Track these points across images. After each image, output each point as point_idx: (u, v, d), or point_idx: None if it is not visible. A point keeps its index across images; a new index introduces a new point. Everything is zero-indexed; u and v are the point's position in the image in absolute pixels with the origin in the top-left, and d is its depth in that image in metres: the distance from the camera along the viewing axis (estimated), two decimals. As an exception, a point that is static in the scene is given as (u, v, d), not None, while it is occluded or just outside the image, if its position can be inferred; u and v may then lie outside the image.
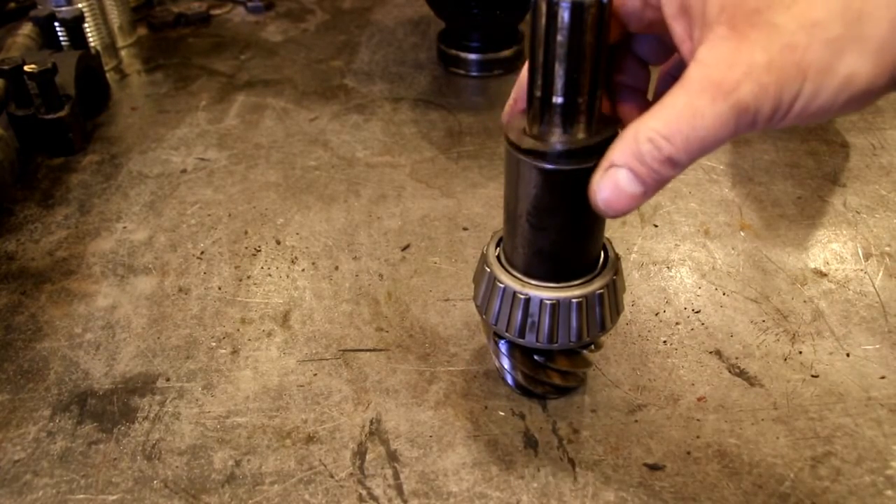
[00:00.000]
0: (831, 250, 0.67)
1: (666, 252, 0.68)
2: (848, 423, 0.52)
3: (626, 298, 0.62)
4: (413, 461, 0.50)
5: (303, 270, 0.67)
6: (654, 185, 0.37)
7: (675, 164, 0.35)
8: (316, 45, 1.08)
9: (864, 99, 0.33)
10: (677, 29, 0.36)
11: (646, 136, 0.35)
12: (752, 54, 0.32)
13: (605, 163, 0.38)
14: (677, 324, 0.60)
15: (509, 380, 0.54)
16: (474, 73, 0.99)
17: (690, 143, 0.34)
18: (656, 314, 0.61)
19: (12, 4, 1.08)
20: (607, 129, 0.41)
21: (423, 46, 1.06)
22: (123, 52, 1.07)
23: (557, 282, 0.46)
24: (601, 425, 0.52)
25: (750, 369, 0.56)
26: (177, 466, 0.50)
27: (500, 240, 0.49)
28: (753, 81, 0.32)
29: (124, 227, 0.73)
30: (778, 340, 0.58)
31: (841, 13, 0.31)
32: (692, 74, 0.34)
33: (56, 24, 0.90)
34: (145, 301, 0.64)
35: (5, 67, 0.76)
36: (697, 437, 0.51)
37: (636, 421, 0.53)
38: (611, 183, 0.37)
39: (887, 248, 0.67)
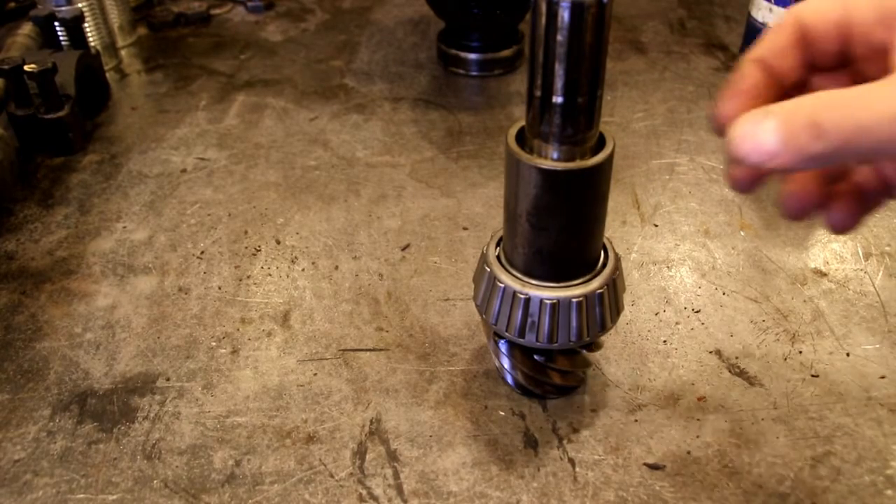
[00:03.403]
0: (831, 250, 0.67)
1: (666, 252, 0.68)
2: (848, 422, 0.52)
3: (626, 298, 0.62)
4: (413, 461, 0.50)
5: (303, 270, 0.67)
6: (789, 149, 0.33)
7: (820, 137, 0.32)
8: (316, 44, 1.08)
9: None
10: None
11: (814, 96, 0.33)
12: None
13: (766, 107, 0.35)
14: (677, 324, 0.60)
15: (509, 380, 0.54)
16: (474, 73, 0.99)
17: (846, 122, 0.31)
18: (656, 314, 0.61)
19: (12, 4, 1.08)
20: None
21: (423, 46, 1.06)
22: (123, 52, 1.07)
23: (557, 282, 0.46)
24: (601, 425, 0.52)
25: (750, 369, 0.56)
26: (177, 466, 0.50)
27: (500, 239, 0.49)
28: None
29: (124, 227, 0.73)
30: (778, 340, 0.58)
31: None
32: (891, 76, 0.32)
33: (56, 23, 0.90)
34: (145, 301, 0.64)
35: (5, 67, 0.76)
36: (697, 437, 0.51)
37: (636, 421, 0.53)
38: (753, 121, 0.34)
39: (887, 248, 0.67)
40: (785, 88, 0.40)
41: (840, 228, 0.42)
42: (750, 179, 0.40)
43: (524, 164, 0.42)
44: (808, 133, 0.32)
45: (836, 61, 0.39)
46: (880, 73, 0.34)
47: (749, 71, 0.40)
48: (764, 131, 0.33)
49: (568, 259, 0.46)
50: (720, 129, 0.38)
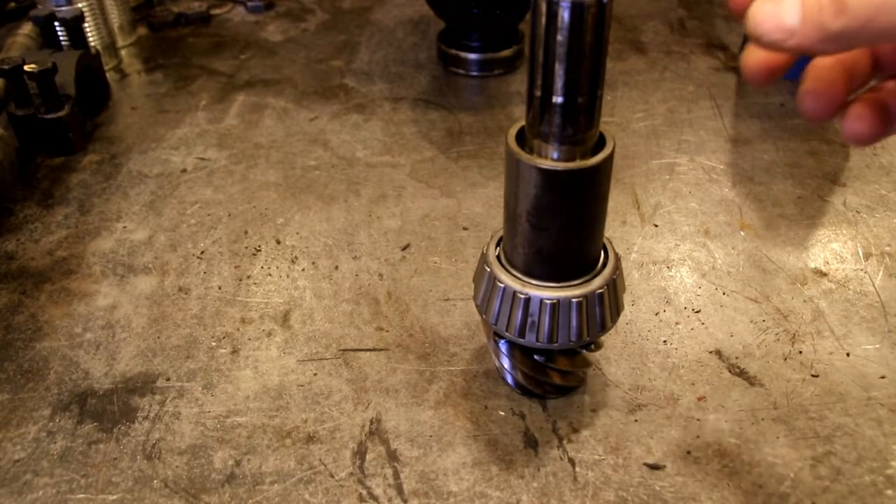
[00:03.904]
0: (831, 250, 0.67)
1: (666, 252, 0.68)
2: (848, 422, 0.52)
3: (626, 298, 0.62)
4: (413, 461, 0.50)
5: (303, 270, 0.67)
6: (810, 25, 0.31)
7: (843, 12, 0.30)
8: (316, 44, 1.08)
9: None
10: None
11: None
12: None
13: None
14: (677, 324, 0.60)
15: (509, 379, 0.54)
16: (474, 73, 0.99)
17: (868, 3, 0.30)
18: (656, 314, 0.61)
19: (12, 4, 1.08)
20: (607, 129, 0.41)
21: (423, 46, 1.06)
22: (123, 52, 1.07)
23: (558, 282, 0.46)
24: (601, 425, 0.52)
25: (750, 369, 0.56)
26: (177, 466, 0.50)
27: (500, 239, 0.49)
28: None
29: (124, 227, 0.73)
30: (778, 340, 0.58)
31: None
32: None
33: (56, 23, 0.90)
34: (145, 301, 0.64)
35: (5, 67, 0.76)
36: (697, 436, 0.51)
37: (636, 421, 0.53)
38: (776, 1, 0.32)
39: (887, 248, 0.67)
40: None
41: (857, 137, 0.40)
42: (767, 69, 0.38)
43: (524, 164, 0.42)
44: (830, 8, 0.31)
45: None
46: None
47: None
48: (785, 6, 0.32)
49: (568, 259, 0.46)
50: (739, 9, 0.36)
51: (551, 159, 0.42)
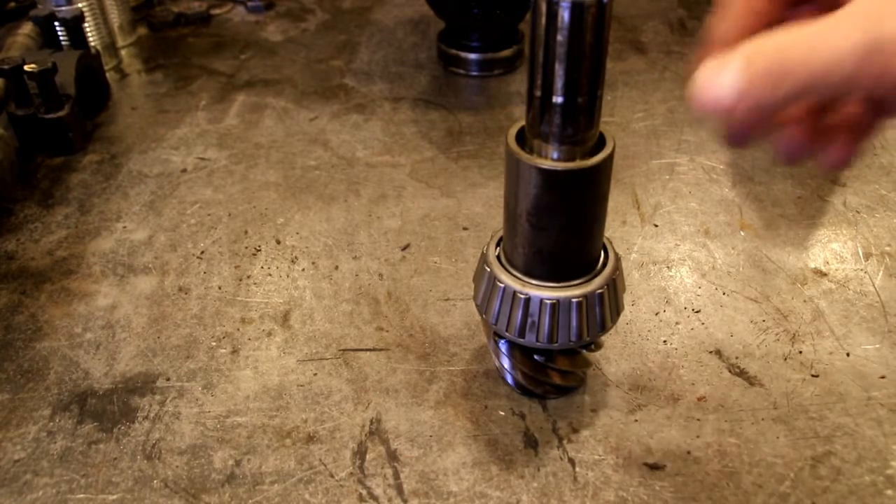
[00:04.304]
0: (831, 250, 0.67)
1: (666, 252, 0.68)
2: (848, 422, 0.52)
3: (626, 298, 0.62)
4: (413, 461, 0.50)
5: (303, 270, 0.67)
6: (749, 91, 0.32)
7: (784, 78, 0.31)
8: (316, 44, 1.08)
9: None
10: None
11: (774, 38, 0.32)
12: None
13: (733, 48, 0.34)
14: (677, 324, 0.60)
15: (509, 379, 0.54)
16: (474, 73, 0.99)
17: (809, 61, 0.31)
18: (656, 314, 0.61)
19: (12, 4, 1.08)
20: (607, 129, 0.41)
21: (423, 46, 1.06)
22: (123, 52, 1.07)
23: (558, 282, 0.46)
24: (601, 425, 0.52)
25: (750, 369, 0.56)
26: (177, 466, 0.50)
27: (500, 239, 0.49)
28: None
29: (124, 227, 0.73)
30: (778, 340, 0.58)
31: None
32: (847, 6, 0.31)
33: (56, 23, 0.90)
34: (145, 301, 0.64)
35: (5, 67, 0.76)
36: (697, 436, 0.51)
37: (636, 421, 0.53)
38: (716, 66, 0.33)
39: (887, 248, 0.67)
40: (765, 26, 0.38)
41: (837, 165, 0.40)
42: (740, 131, 0.38)
43: (524, 164, 0.42)
44: (770, 77, 0.32)
45: None
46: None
47: (730, 11, 0.39)
48: (725, 78, 0.33)
49: (568, 259, 0.46)
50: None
51: (551, 159, 0.42)
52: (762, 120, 0.34)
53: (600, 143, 0.43)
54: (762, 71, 0.32)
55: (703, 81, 0.34)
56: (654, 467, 0.50)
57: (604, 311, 0.47)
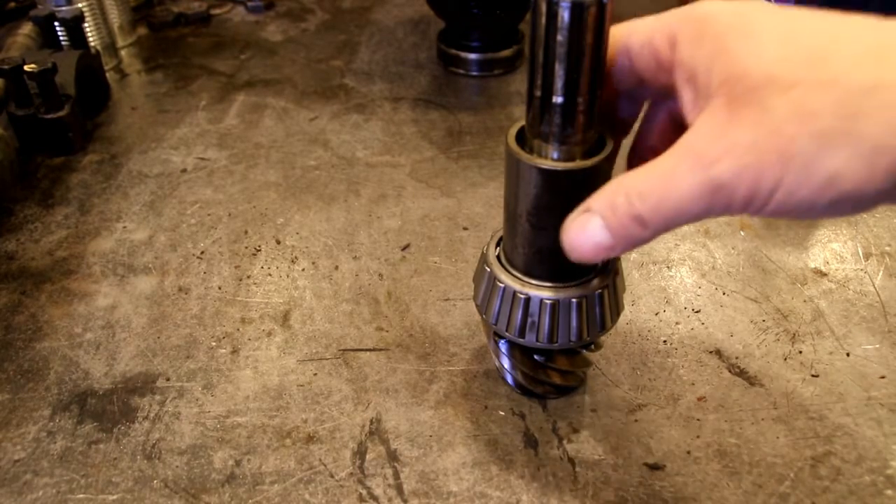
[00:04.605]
0: (831, 250, 0.67)
1: (666, 252, 0.68)
2: (848, 422, 0.52)
3: (626, 298, 0.62)
4: (413, 461, 0.50)
5: (303, 270, 0.67)
6: (622, 241, 0.36)
7: (646, 225, 0.35)
8: (316, 44, 1.08)
9: (854, 203, 0.30)
10: (685, 97, 0.36)
11: (624, 189, 0.35)
12: (739, 132, 0.31)
13: (583, 206, 0.38)
14: (677, 323, 0.60)
15: (509, 379, 0.54)
16: (474, 73, 0.99)
17: (662, 208, 0.34)
18: (656, 314, 0.61)
19: (12, 4, 1.08)
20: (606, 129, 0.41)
21: (423, 46, 1.06)
22: (123, 52, 1.07)
23: (558, 281, 0.46)
24: (601, 425, 0.52)
25: (750, 369, 0.56)
26: (177, 466, 0.50)
27: (500, 239, 0.49)
28: (734, 160, 0.31)
29: (124, 227, 0.73)
30: (778, 340, 0.58)
31: (836, 106, 0.29)
32: (683, 141, 0.33)
33: (56, 23, 0.90)
34: (145, 301, 0.64)
35: (5, 67, 0.76)
36: (697, 436, 0.51)
37: (636, 421, 0.53)
38: (581, 226, 0.37)
39: (887, 248, 0.67)
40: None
41: None
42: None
43: (524, 163, 0.42)
44: (633, 225, 0.35)
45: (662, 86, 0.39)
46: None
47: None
48: (592, 232, 0.37)
49: (568, 259, 0.46)
50: None
51: (551, 159, 0.41)
52: (640, 245, 0.37)
53: (600, 143, 0.43)
54: (627, 217, 0.35)
55: (574, 241, 0.38)
56: (654, 467, 0.50)
57: (604, 311, 0.47)
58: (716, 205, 0.32)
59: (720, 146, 0.32)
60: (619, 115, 0.44)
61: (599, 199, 0.37)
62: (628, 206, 0.35)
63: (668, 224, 0.34)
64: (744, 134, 0.31)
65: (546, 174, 0.41)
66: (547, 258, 0.45)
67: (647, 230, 0.35)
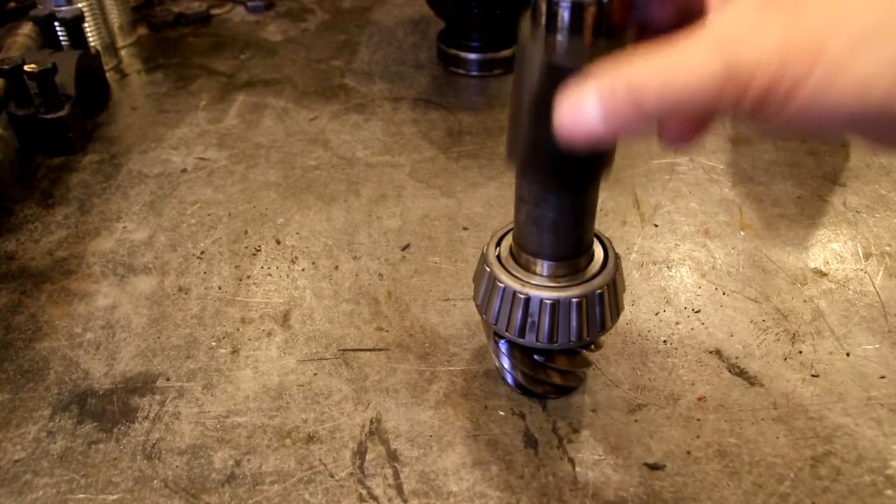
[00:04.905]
0: (831, 250, 0.67)
1: (666, 252, 0.68)
2: (848, 422, 0.52)
3: (626, 298, 0.62)
4: (413, 461, 0.50)
5: (303, 270, 0.67)
6: (614, 124, 0.33)
7: (641, 108, 0.31)
8: (316, 44, 1.08)
9: (876, 120, 0.29)
10: None
11: (628, 65, 0.32)
12: (770, 23, 0.29)
13: (584, 78, 0.34)
14: (677, 323, 0.60)
15: (509, 379, 0.54)
16: (474, 73, 0.99)
17: (664, 90, 0.31)
18: (656, 314, 0.61)
19: (12, 4, 1.08)
20: None
21: (423, 46, 1.06)
22: (123, 52, 1.07)
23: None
24: (601, 425, 0.52)
25: (750, 369, 0.56)
26: (177, 466, 0.50)
27: (500, 239, 0.49)
28: (759, 47, 0.29)
29: (124, 227, 0.73)
30: (778, 340, 0.58)
31: (880, 11, 0.28)
32: (705, 28, 0.31)
33: (56, 23, 0.90)
34: (145, 301, 0.64)
35: (5, 67, 0.76)
36: (697, 436, 0.51)
37: (636, 421, 0.53)
38: (577, 100, 0.33)
39: (887, 248, 0.67)
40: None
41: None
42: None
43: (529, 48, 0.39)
44: (628, 104, 0.32)
45: None
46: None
47: None
48: (585, 108, 0.33)
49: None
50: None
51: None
52: (633, 134, 0.34)
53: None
54: (624, 95, 0.32)
55: (566, 115, 0.34)
56: (654, 467, 0.50)
57: (604, 311, 0.47)
58: (727, 92, 0.30)
59: (747, 33, 0.30)
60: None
61: (601, 74, 0.33)
62: (628, 88, 0.32)
63: (666, 108, 0.32)
64: (776, 25, 0.29)
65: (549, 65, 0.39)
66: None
67: (641, 115, 0.32)
